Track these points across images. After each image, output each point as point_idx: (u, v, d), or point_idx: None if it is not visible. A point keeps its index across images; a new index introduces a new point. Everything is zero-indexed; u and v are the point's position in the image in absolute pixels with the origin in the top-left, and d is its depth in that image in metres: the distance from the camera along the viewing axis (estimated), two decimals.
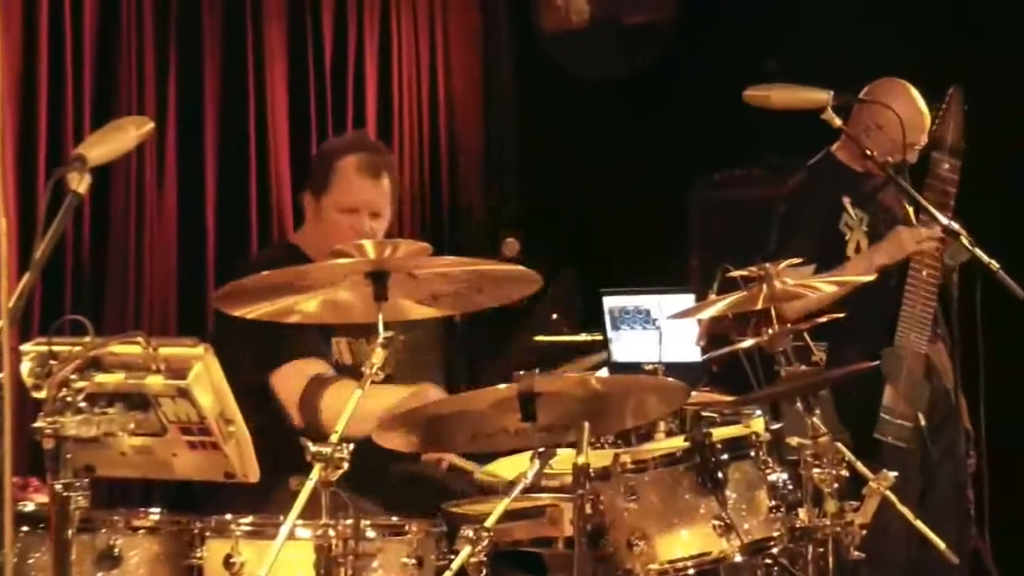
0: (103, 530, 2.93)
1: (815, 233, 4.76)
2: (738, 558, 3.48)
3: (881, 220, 4.83)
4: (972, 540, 4.51)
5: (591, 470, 3.07)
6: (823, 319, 3.92)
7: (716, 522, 3.48)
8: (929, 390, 4.67)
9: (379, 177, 4.02)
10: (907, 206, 4.76)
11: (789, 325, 3.79)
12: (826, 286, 3.99)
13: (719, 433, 3.67)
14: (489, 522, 3.03)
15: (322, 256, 3.94)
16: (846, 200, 4.82)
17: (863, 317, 4.50)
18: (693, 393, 3.77)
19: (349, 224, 3.97)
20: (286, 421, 3.74)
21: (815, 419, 3.59)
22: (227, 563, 2.98)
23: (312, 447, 2.81)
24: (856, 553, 3.56)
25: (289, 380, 3.79)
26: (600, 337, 6.32)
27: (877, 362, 4.29)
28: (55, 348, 2.56)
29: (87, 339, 2.57)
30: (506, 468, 3.83)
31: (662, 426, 3.99)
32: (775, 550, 3.56)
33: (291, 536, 2.81)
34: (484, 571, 3.00)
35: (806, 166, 4.98)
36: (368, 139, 4.56)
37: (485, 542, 2.99)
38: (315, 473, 2.80)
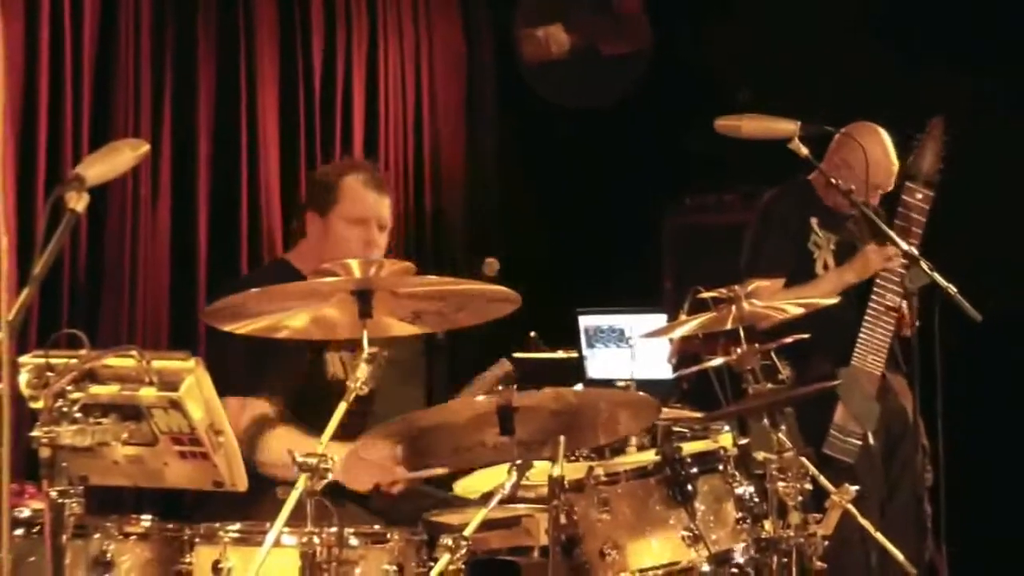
0: (96, 536, 2.93)
1: (789, 236, 4.79)
2: (706, 567, 3.49)
3: (847, 242, 4.85)
4: (929, 551, 4.53)
5: (566, 482, 3.08)
6: (788, 340, 3.95)
7: (685, 533, 3.50)
8: (880, 410, 4.69)
9: (383, 192, 4.07)
10: (872, 236, 4.77)
11: (757, 345, 3.81)
12: (792, 307, 4.02)
13: (689, 447, 3.69)
14: (468, 531, 3.04)
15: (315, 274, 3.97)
16: (813, 220, 4.85)
17: (826, 336, 4.52)
18: (664, 409, 3.79)
19: (359, 235, 3.98)
20: None
21: (781, 435, 3.61)
22: (215, 569, 2.98)
23: (298, 458, 2.82)
24: (818, 563, 3.58)
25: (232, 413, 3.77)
26: (575, 354, 6.33)
27: (838, 381, 4.31)
28: (52, 360, 2.56)
29: (83, 352, 2.57)
30: (482, 481, 3.84)
31: (634, 440, 4.01)
32: (741, 560, 3.57)
33: (277, 543, 2.81)
34: None
35: (776, 188, 5.01)
36: (363, 159, 4.58)
37: (463, 550, 3.00)
38: (300, 483, 2.81)
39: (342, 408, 2.91)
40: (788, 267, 4.74)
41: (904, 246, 4.05)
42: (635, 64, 6.93)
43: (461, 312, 3.19)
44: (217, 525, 3.04)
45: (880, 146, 4.80)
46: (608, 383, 5.52)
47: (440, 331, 3.62)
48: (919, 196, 4.71)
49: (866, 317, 4.69)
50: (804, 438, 4.17)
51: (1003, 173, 5.78)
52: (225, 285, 4.11)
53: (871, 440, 4.63)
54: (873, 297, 4.69)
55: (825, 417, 4.63)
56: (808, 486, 3.62)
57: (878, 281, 4.71)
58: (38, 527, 2.82)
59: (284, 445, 3.56)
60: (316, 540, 2.87)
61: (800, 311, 4.06)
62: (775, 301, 4.12)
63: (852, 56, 6.08)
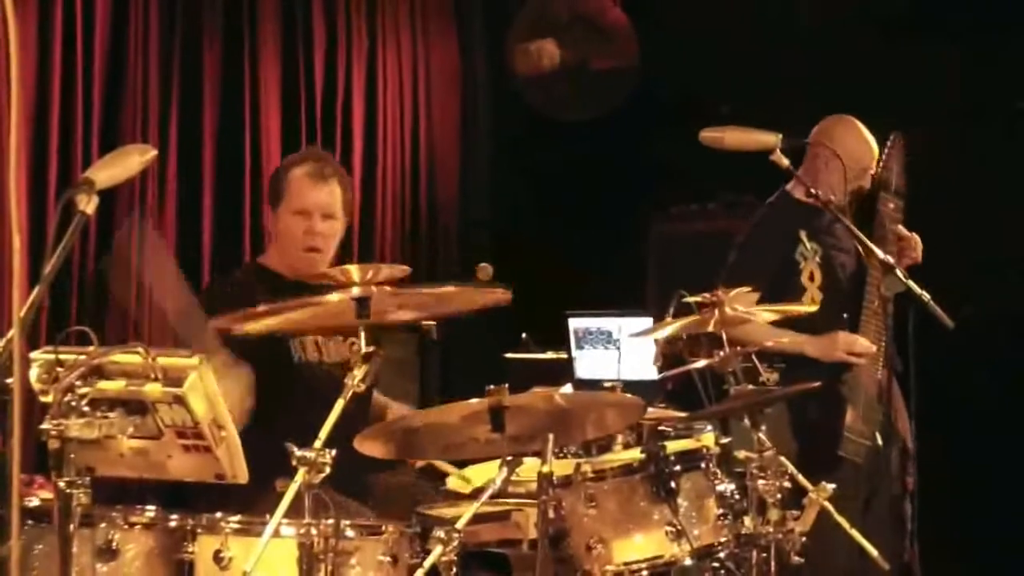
0: (102, 525, 2.91)
1: (769, 262, 4.75)
2: (688, 562, 3.49)
3: (834, 253, 4.82)
4: (907, 550, 4.52)
5: (554, 478, 3.08)
6: (769, 343, 3.94)
7: (668, 528, 3.49)
8: (882, 412, 4.68)
9: (327, 181, 3.97)
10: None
11: (738, 348, 3.81)
12: (770, 315, 4.02)
13: (672, 446, 3.69)
14: (460, 524, 3.03)
15: (288, 270, 3.95)
16: (802, 234, 4.82)
17: None
18: (649, 409, 3.78)
19: (303, 226, 3.93)
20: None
21: (761, 434, 3.60)
22: (216, 558, 2.97)
23: (297, 452, 2.81)
24: (796, 558, 3.58)
25: None
26: (565, 355, 6.33)
27: (817, 383, 4.30)
28: (61, 356, 2.56)
29: (91, 348, 2.57)
30: (477, 474, 3.84)
31: (620, 439, 4.00)
32: (722, 555, 3.57)
33: (276, 534, 2.80)
34: (454, 569, 3.00)
35: (766, 204, 4.98)
36: (317, 150, 4.52)
37: (455, 542, 2.99)
38: (299, 476, 2.80)
39: (339, 406, 2.90)
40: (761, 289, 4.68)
41: (881, 254, 4.04)
42: (623, 78, 6.93)
43: (452, 304, 3.21)
44: (219, 516, 3.03)
45: (854, 134, 4.76)
46: (596, 383, 5.53)
47: (432, 319, 3.53)
48: (891, 206, 4.70)
49: (861, 323, 4.67)
50: (806, 441, 4.20)
51: (973, 178, 5.78)
52: (207, 293, 4.05)
53: (879, 440, 4.61)
54: (865, 304, 4.68)
55: (830, 421, 4.60)
56: (787, 484, 3.61)
57: (868, 287, 4.69)
58: (47, 516, 2.81)
59: None
60: (314, 531, 2.86)
61: (775, 317, 4.06)
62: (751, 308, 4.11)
63: (835, 65, 6.08)
